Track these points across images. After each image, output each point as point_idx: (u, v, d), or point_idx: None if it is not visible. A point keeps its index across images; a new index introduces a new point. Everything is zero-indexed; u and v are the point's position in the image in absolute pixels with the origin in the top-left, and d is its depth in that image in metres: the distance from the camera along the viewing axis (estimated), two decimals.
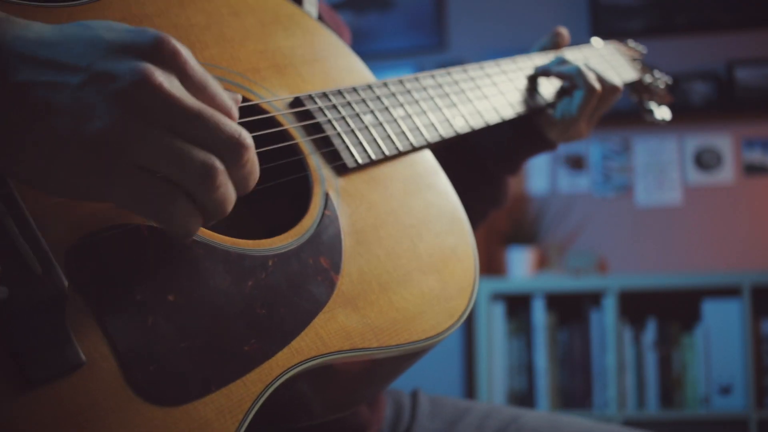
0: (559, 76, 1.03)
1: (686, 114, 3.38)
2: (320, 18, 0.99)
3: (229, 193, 0.54)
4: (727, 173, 3.40)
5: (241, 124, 0.59)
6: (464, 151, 1.09)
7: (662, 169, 3.45)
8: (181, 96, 0.51)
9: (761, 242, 3.32)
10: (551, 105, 1.04)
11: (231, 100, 0.55)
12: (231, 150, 0.53)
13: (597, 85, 1.01)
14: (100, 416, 0.52)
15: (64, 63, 0.50)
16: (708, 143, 3.43)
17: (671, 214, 3.41)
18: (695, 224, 3.39)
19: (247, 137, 0.54)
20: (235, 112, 0.55)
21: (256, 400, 0.59)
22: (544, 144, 1.08)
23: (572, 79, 1.02)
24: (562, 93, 1.05)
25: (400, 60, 3.62)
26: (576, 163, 3.54)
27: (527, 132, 1.07)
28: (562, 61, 1.04)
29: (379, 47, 3.62)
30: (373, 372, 0.73)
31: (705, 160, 3.42)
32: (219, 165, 0.52)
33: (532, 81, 1.04)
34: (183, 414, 0.55)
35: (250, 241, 0.65)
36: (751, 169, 3.38)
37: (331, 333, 0.66)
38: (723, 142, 3.41)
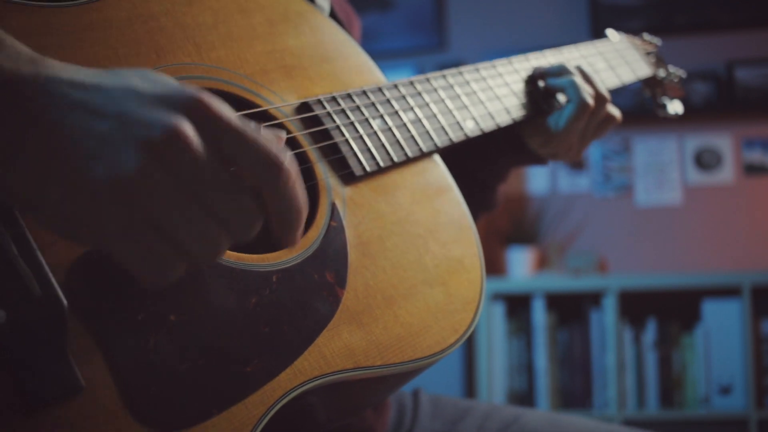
0: (552, 87, 0.98)
1: (686, 114, 3.34)
2: (332, 11, 0.97)
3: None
4: (727, 173, 3.39)
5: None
6: (455, 154, 1.07)
7: (662, 169, 3.45)
8: (209, 158, 0.48)
9: (761, 242, 3.32)
10: (547, 111, 0.99)
11: (274, 145, 0.51)
12: (248, 228, 0.51)
13: (590, 101, 0.95)
14: None
15: (96, 106, 0.48)
16: (708, 143, 3.43)
17: (671, 214, 3.41)
18: (695, 224, 3.39)
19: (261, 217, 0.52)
20: (283, 157, 0.51)
21: (258, 422, 0.57)
22: (527, 154, 1.03)
23: (564, 92, 0.96)
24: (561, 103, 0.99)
25: (400, 60, 3.62)
26: (576, 163, 3.54)
27: (510, 139, 1.02)
28: (559, 71, 0.98)
29: (379, 47, 3.62)
30: (377, 386, 0.71)
31: (705, 160, 3.42)
32: (226, 242, 0.51)
33: (534, 83, 0.99)
34: None
35: (255, 256, 0.63)
36: (751, 169, 3.38)
37: (334, 352, 0.64)
38: (723, 142, 3.41)
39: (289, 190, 0.51)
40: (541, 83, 0.99)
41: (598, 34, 3.34)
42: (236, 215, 0.50)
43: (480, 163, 1.06)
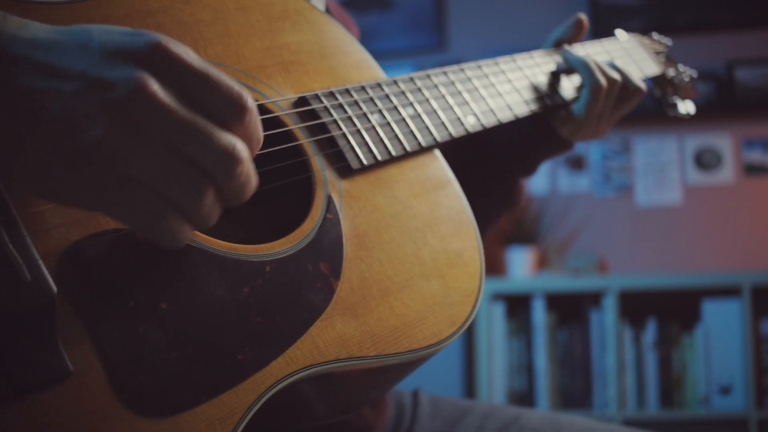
0: (567, 64, 1.01)
1: None
2: (328, 12, 0.98)
3: (216, 208, 0.53)
4: (727, 173, 3.39)
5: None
6: (475, 151, 1.07)
7: (662, 169, 3.45)
8: (175, 107, 0.49)
9: (761, 242, 3.32)
10: (570, 102, 1.01)
11: (238, 86, 0.53)
12: (224, 163, 0.51)
13: (602, 81, 0.98)
14: (86, 427, 0.51)
15: (57, 67, 0.49)
16: (708, 143, 3.43)
17: (671, 214, 3.41)
18: (695, 224, 3.39)
19: (242, 150, 0.52)
20: (246, 97, 0.53)
21: (248, 410, 0.57)
22: (558, 143, 1.05)
23: (577, 72, 1.00)
24: (580, 90, 1.02)
25: (400, 60, 3.62)
26: (576, 163, 3.54)
27: (541, 130, 1.04)
28: (571, 60, 1.01)
29: (379, 47, 3.62)
30: (373, 378, 0.71)
31: (705, 160, 3.42)
32: (209, 182, 0.51)
33: (555, 77, 1.02)
34: (172, 426, 0.54)
35: (248, 246, 0.64)
36: (751, 169, 3.38)
37: (327, 341, 0.64)
38: (723, 142, 3.41)
39: (252, 129, 0.53)
40: (544, 78, 1.01)
41: (598, 34, 3.34)
42: (213, 155, 0.51)
43: (510, 160, 1.07)
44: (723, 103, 3.36)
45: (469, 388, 3.18)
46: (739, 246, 3.34)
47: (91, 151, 0.48)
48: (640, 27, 3.40)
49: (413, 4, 3.65)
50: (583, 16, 1.08)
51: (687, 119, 3.39)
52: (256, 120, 0.54)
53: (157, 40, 0.50)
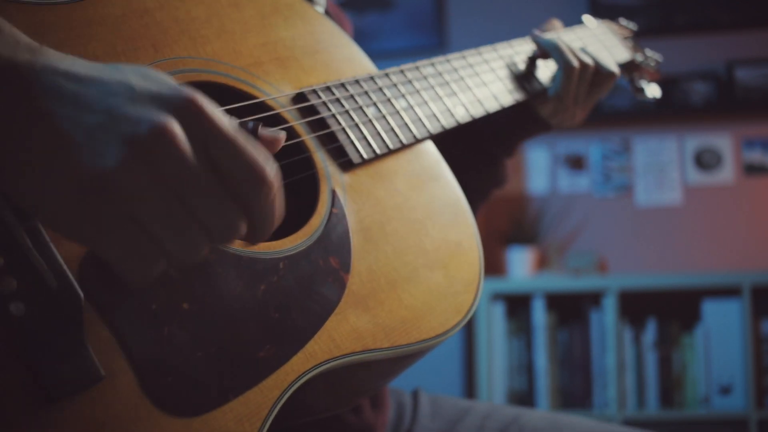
0: (539, 48, 1.04)
1: (686, 114, 3.38)
2: (326, 12, 0.99)
3: (202, 257, 0.52)
4: (727, 173, 3.39)
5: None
6: (464, 134, 1.08)
7: (662, 169, 3.45)
8: (194, 158, 0.48)
9: (761, 242, 3.32)
10: (548, 87, 1.05)
11: (262, 156, 0.51)
12: (228, 230, 0.51)
13: (574, 61, 1.01)
14: (120, 430, 0.52)
15: (86, 100, 0.48)
16: (708, 143, 3.43)
17: (671, 214, 3.41)
18: (695, 224, 3.39)
19: (244, 228, 0.52)
20: (268, 171, 0.51)
21: (274, 405, 0.59)
22: (537, 124, 1.08)
23: (551, 55, 1.03)
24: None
25: (400, 60, 3.58)
26: (576, 163, 3.54)
27: (521, 113, 1.07)
28: (545, 44, 1.04)
29: (379, 47, 3.62)
30: (382, 369, 0.72)
31: (705, 160, 3.42)
32: (207, 241, 0.51)
33: (530, 64, 1.04)
34: (202, 424, 0.55)
35: (261, 244, 0.64)
36: (751, 169, 3.38)
37: (343, 335, 0.65)
38: (723, 142, 3.41)
39: (269, 204, 0.52)
40: (522, 65, 1.04)
41: None
42: (218, 219, 0.50)
43: (495, 140, 1.09)
44: (723, 103, 3.36)
45: (469, 388, 3.18)
46: (739, 246, 3.33)
47: (100, 180, 0.47)
48: (640, 27, 3.39)
49: (413, 4, 3.65)
50: (556, 21, 1.13)
51: (687, 119, 3.40)
52: (275, 196, 0.52)
53: (193, 94, 0.49)
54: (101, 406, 0.52)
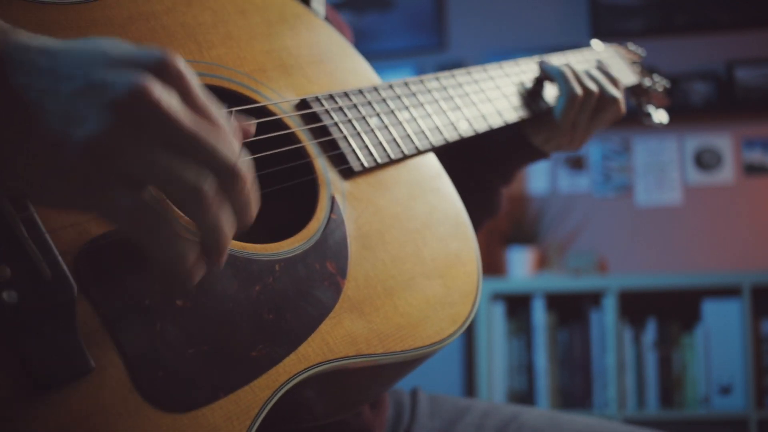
0: (544, 74, 1.04)
1: (686, 114, 3.38)
2: (326, 19, 0.99)
3: (223, 218, 0.51)
4: (727, 173, 3.40)
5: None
6: (458, 157, 1.08)
7: (662, 169, 3.45)
8: (178, 113, 0.48)
9: (761, 242, 3.32)
10: (536, 111, 1.04)
11: (234, 130, 0.52)
12: (225, 176, 0.50)
13: (577, 90, 1.00)
14: (108, 422, 0.52)
15: (61, 71, 0.48)
16: (708, 143, 3.43)
17: (671, 214, 3.41)
18: (695, 224, 3.39)
19: (242, 168, 0.51)
20: (236, 144, 0.51)
21: (264, 405, 0.59)
22: (532, 151, 1.07)
23: (554, 81, 1.03)
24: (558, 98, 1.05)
25: (400, 60, 3.62)
26: (576, 163, 3.54)
27: (515, 138, 1.07)
28: (550, 69, 1.04)
29: (379, 47, 3.62)
30: (377, 376, 0.73)
31: (705, 160, 3.42)
32: (210, 187, 0.49)
33: (537, 83, 1.05)
34: (191, 420, 0.55)
35: (258, 245, 0.65)
36: (751, 169, 3.38)
37: (337, 339, 0.66)
38: (723, 142, 3.41)
39: (230, 141, 0.52)
40: (528, 84, 1.04)
41: (598, 34, 3.34)
42: (212, 158, 0.50)
43: (487, 166, 1.09)
44: (723, 103, 3.36)
45: (469, 388, 3.18)
46: (739, 246, 3.34)
47: (87, 147, 0.47)
48: (640, 27, 3.40)
49: (413, 4, 3.65)
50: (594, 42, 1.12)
51: (687, 119, 3.40)
52: (232, 137, 0.52)
53: (167, 54, 0.50)
54: (89, 398, 0.52)
